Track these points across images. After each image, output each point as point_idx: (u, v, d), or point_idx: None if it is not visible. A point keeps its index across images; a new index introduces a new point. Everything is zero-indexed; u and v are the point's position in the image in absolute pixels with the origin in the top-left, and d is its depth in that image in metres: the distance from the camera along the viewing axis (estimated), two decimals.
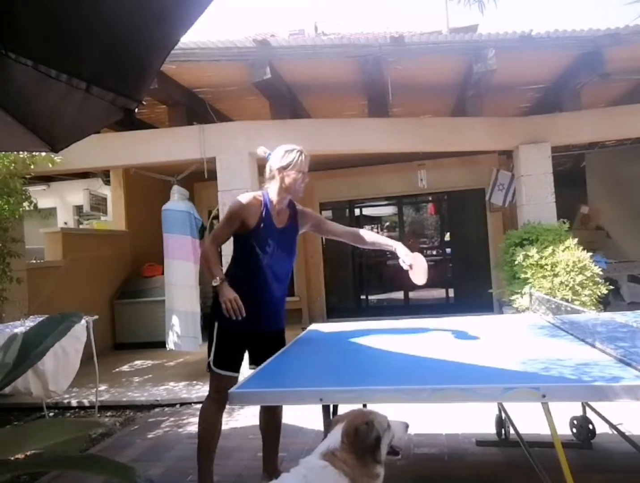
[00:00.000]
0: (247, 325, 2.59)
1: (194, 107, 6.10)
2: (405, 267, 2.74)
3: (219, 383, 2.67)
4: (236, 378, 2.68)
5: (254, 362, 2.77)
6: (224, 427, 4.09)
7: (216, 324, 2.69)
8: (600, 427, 3.12)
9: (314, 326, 3.50)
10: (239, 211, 2.63)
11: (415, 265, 2.73)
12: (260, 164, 6.18)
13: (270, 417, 2.89)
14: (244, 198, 2.66)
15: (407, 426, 1.87)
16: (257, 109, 6.32)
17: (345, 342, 2.93)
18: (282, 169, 2.62)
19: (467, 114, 6.12)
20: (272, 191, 2.68)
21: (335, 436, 1.70)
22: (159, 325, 6.07)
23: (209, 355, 2.72)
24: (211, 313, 2.76)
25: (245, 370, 2.74)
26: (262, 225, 2.63)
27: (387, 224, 10.92)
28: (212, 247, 2.67)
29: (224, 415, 4.46)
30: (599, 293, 5.15)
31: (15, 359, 1.60)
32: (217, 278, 2.57)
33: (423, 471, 3.04)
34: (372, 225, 10.93)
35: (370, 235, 2.98)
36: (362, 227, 10.09)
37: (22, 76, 1.86)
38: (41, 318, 4.40)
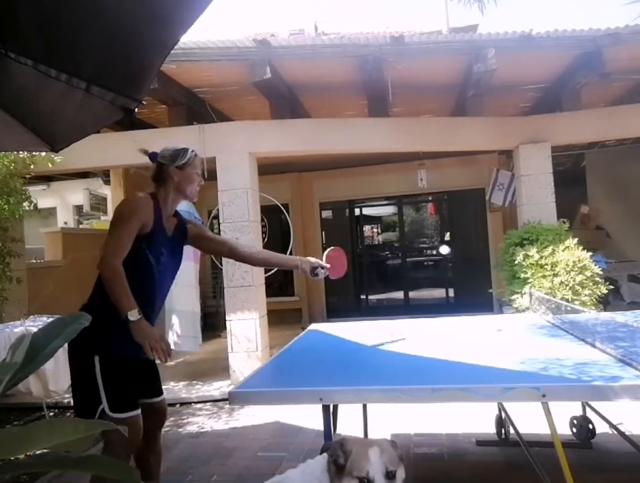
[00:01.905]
0: (136, 352, 2.10)
1: (194, 107, 6.10)
2: (325, 272, 2.60)
3: (127, 431, 2.18)
4: (140, 416, 2.19)
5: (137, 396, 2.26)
6: (224, 426, 4.11)
7: (96, 360, 2.10)
8: (600, 427, 3.12)
9: (314, 326, 3.50)
10: (138, 210, 2.18)
11: (332, 261, 2.64)
12: (263, 162, 6.23)
13: (153, 444, 2.40)
14: (139, 195, 2.25)
15: None
16: (257, 108, 6.32)
17: (345, 342, 2.93)
18: (179, 169, 2.31)
19: (467, 114, 6.12)
20: (163, 193, 2.33)
21: None
22: (159, 325, 6.06)
23: (93, 404, 2.10)
24: (78, 350, 2.14)
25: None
26: (155, 228, 2.24)
27: (387, 224, 10.93)
28: (120, 266, 2.10)
29: (225, 415, 4.47)
30: (599, 293, 5.15)
31: (22, 360, 1.60)
32: (135, 310, 2.04)
33: (423, 471, 3.04)
34: (372, 225, 10.93)
35: (263, 253, 2.72)
36: (362, 227, 10.17)
37: (22, 76, 1.86)
38: (41, 318, 4.42)
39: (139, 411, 2.18)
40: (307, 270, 2.57)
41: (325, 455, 1.65)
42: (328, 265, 2.62)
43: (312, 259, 2.61)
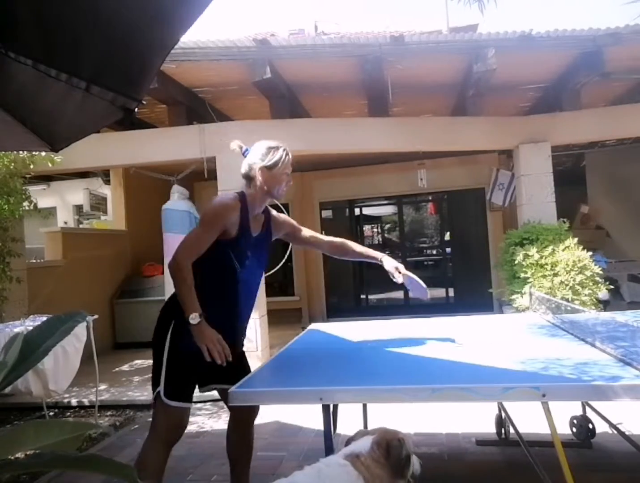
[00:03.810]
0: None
1: (194, 107, 6.10)
2: (398, 280, 2.57)
3: (171, 419, 2.21)
4: (189, 410, 2.29)
5: (205, 383, 2.37)
6: (224, 426, 4.08)
7: (167, 344, 2.20)
8: (600, 427, 3.12)
9: (314, 326, 3.50)
10: (224, 216, 2.21)
11: (409, 279, 2.59)
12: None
13: (243, 438, 2.49)
14: (228, 200, 2.26)
15: (420, 463, 1.86)
16: (257, 108, 6.32)
17: (345, 342, 2.93)
18: (267, 169, 2.26)
19: (467, 114, 6.12)
20: (251, 193, 2.31)
21: (364, 443, 1.70)
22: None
23: (156, 384, 2.23)
24: (158, 330, 2.27)
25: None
26: (241, 231, 2.26)
27: (387, 223, 10.93)
28: (188, 265, 2.15)
29: (225, 415, 4.46)
30: (599, 293, 5.15)
31: (17, 359, 1.59)
32: (197, 314, 2.08)
33: (423, 471, 3.02)
34: (372, 225, 10.93)
35: (356, 247, 2.69)
36: (362, 227, 10.16)
37: (21, 75, 1.86)
38: (41, 318, 4.41)
39: (189, 405, 2.26)
40: (388, 269, 2.58)
41: (344, 462, 1.61)
42: (400, 279, 2.56)
43: (388, 264, 2.58)
